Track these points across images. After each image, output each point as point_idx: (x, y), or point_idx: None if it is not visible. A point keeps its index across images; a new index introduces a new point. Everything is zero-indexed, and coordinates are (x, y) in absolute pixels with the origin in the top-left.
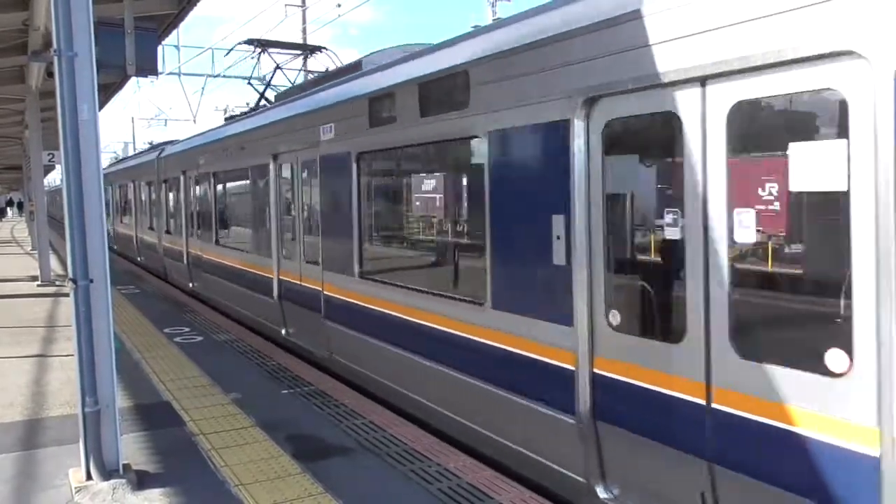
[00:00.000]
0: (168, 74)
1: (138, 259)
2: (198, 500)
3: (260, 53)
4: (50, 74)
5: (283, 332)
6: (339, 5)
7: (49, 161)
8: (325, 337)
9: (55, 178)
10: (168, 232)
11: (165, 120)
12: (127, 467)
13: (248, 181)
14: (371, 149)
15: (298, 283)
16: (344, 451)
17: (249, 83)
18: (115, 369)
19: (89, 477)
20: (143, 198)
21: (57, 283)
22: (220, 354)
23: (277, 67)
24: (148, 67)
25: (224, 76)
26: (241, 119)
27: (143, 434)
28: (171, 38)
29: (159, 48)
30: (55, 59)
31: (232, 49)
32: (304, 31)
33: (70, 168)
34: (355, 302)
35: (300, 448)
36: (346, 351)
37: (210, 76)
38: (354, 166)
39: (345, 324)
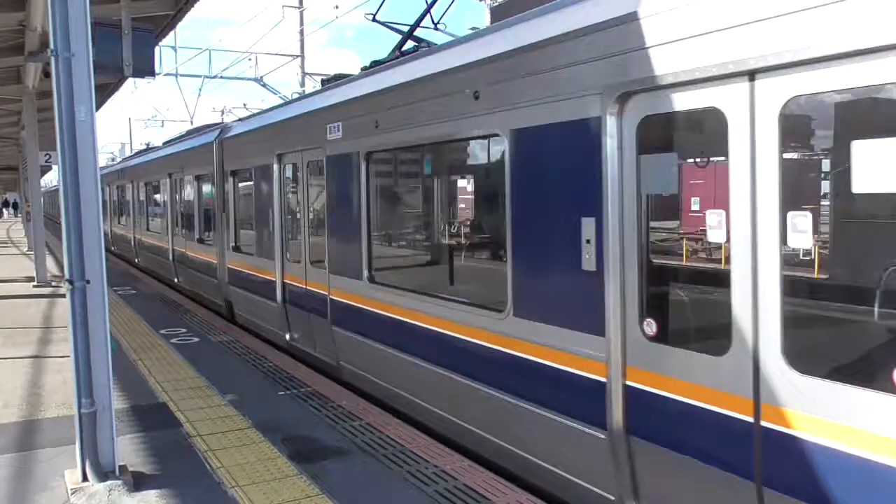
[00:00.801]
0: (165, 75)
1: (176, 280)
2: (194, 501)
3: None
4: (47, 75)
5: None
6: (337, 7)
7: (46, 161)
8: None
9: (52, 178)
10: (238, 249)
11: (162, 121)
12: (123, 469)
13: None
14: None
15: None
16: (341, 452)
17: (374, 19)
18: (112, 370)
19: (85, 478)
20: (189, 198)
21: (53, 283)
22: (217, 355)
23: None
24: (145, 68)
25: (221, 77)
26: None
27: (140, 435)
28: (168, 39)
29: (156, 49)
30: (52, 60)
31: None
32: (301, 32)
33: (67, 169)
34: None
35: (297, 450)
36: None
37: (207, 77)
38: None
39: None
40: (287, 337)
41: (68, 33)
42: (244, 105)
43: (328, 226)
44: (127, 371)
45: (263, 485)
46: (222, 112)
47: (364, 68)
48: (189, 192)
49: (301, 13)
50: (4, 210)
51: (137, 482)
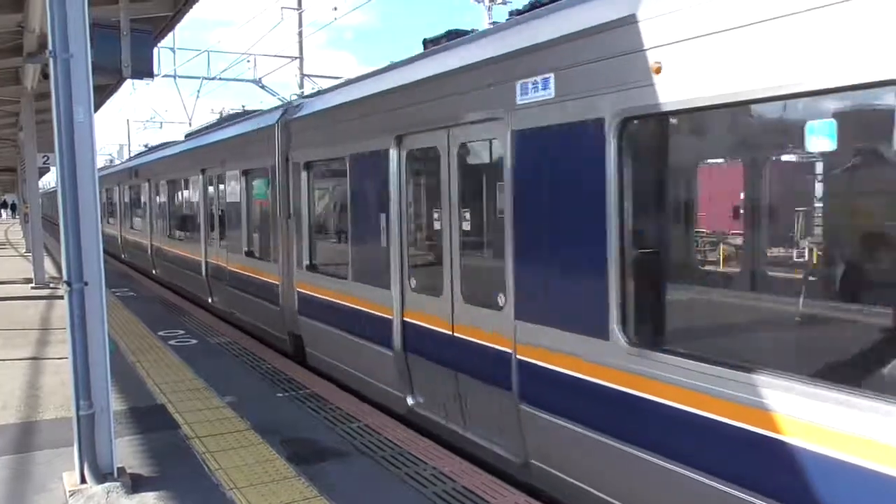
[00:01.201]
0: (163, 77)
1: (210, 300)
2: (192, 503)
3: None
4: (45, 76)
5: None
6: (336, 8)
7: (44, 163)
8: None
9: (50, 180)
10: (314, 269)
11: (161, 122)
12: (121, 470)
13: None
14: None
15: None
16: (339, 454)
17: None
18: (110, 372)
19: (83, 480)
20: (233, 198)
21: (51, 285)
22: (215, 357)
23: None
24: (143, 69)
25: (220, 78)
26: None
27: (138, 437)
28: (166, 41)
29: (155, 50)
30: (50, 61)
31: None
32: (300, 34)
33: (65, 170)
34: None
35: (295, 451)
36: None
37: (206, 78)
38: None
39: None
40: (409, 401)
41: (67, 34)
42: (242, 107)
43: (515, 243)
44: (125, 373)
45: (262, 486)
46: (220, 113)
47: (514, 12)
48: (233, 192)
49: (300, 14)
50: (3, 211)
51: (136, 484)
